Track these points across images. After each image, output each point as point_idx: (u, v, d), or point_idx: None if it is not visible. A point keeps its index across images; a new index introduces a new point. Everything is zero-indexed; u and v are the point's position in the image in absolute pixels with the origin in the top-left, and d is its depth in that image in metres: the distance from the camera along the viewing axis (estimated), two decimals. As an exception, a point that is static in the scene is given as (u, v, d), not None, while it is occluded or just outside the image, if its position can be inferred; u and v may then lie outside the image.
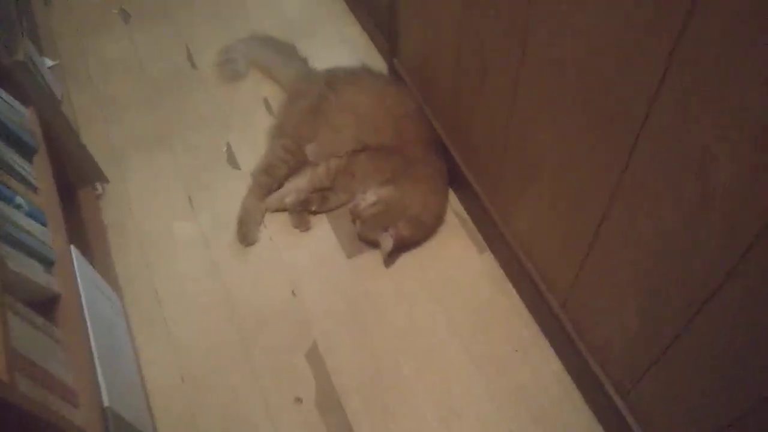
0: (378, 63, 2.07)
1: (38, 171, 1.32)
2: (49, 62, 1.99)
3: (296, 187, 1.70)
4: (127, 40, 2.19)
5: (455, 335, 1.50)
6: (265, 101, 1.99)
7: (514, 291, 1.57)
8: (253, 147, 1.86)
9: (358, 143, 1.70)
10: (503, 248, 1.56)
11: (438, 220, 1.66)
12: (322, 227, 1.71)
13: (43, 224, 1.20)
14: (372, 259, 1.64)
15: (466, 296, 1.57)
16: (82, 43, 2.18)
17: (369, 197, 1.60)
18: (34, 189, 1.26)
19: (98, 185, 1.78)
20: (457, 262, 1.63)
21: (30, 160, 1.32)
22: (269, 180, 1.72)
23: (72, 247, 1.26)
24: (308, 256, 1.66)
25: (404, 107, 1.71)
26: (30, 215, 1.17)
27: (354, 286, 1.60)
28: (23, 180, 1.23)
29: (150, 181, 1.82)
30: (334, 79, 1.80)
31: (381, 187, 1.62)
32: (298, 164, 1.75)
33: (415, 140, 1.68)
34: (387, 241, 1.57)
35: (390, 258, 1.60)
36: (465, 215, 1.72)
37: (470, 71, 1.40)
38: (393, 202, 1.58)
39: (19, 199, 1.16)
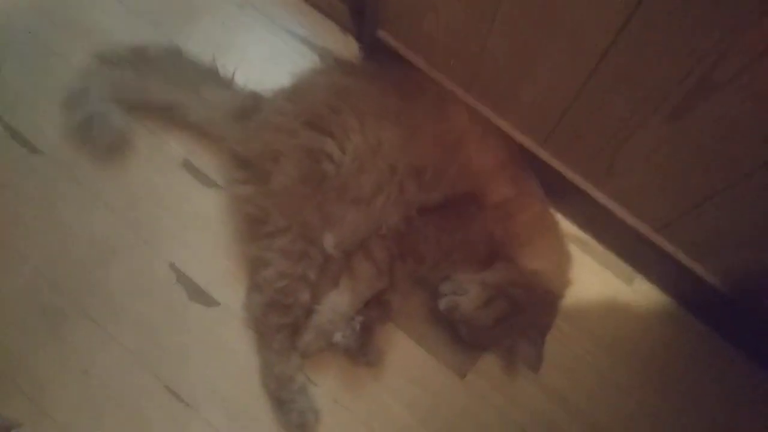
0: (325, 33, 1.29)
1: None
2: None
3: (337, 310, 1.03)
4: None
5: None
6: (187, 164, 1.19)
7: (700, 323, 1.10)
8: (213, 252, 1.13)
9: (407, 209, 1.03)
10: (660, 264, 1.05)
11: (570, 272, 1.08)
12: (399, 346, 1.09)
13: None
14: (493, 365, 1.08)
15: (643, 366, 1.08)
16: None
17: (473, 293, 0.98)
18: None
19: (5, 441, 1.02)
20: (607, 317, 1.11)
21: None
22: (284, 318, 1.03)
23: None
24: (407, 404, 1.06)
25: (454, 121, 1.04)
26: None
27: (502, 425, 1.04)
28: None
29: (90, 384, 1.06)
30: (313, 112, 1.04)
31: (486, 271, 1.00)
32: (319, 271, 1.06)
33: (494, 170, 1.04)
34: (533, 352, 0.99)
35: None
36: (582, 235, 1.16)
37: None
38: (517, 288, 0.98)
39: None
